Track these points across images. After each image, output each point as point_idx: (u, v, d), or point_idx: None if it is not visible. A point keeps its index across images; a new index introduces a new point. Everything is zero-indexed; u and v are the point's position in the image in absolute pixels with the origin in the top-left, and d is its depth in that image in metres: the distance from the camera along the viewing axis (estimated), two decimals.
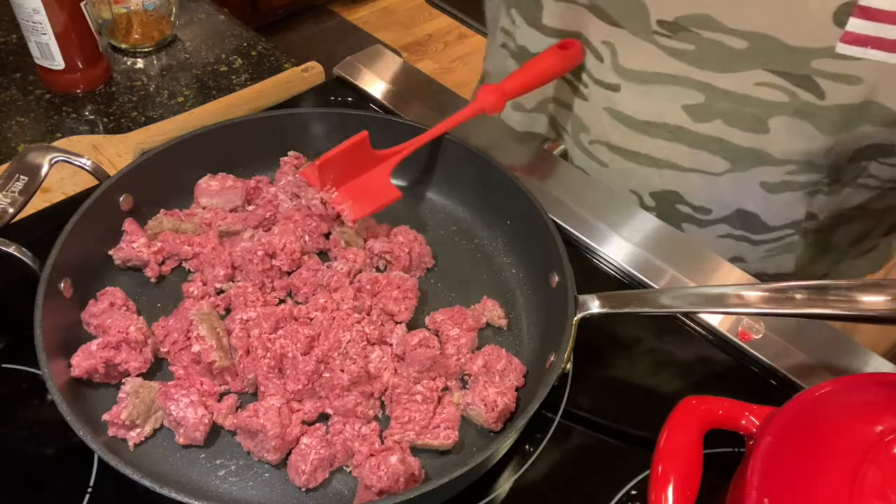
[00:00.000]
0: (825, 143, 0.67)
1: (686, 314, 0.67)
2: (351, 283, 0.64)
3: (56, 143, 0.77)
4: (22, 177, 0.61)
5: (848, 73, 0.61)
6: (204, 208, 0.69)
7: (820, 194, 0.73)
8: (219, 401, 0.57)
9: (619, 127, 0.75)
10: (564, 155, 0.85)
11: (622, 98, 0.73)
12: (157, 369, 0.59)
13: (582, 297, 0.58)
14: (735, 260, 0.80)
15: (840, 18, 0.58)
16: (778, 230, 0.77)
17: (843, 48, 0.59)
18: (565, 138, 0.84)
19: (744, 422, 0.51)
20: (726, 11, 0.62)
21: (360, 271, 0.65)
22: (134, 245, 0.64)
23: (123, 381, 0.56)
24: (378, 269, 0.67)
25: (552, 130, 0.86)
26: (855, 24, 0.58)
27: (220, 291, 0.64)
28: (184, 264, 0.66)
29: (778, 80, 0.64)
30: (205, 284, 0.64)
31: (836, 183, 0.72)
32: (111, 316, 0.58)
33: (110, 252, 0.64)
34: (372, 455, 0.53)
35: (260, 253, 0.63)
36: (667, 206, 0.78)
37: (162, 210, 0.68)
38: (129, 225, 0.65)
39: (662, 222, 0.75)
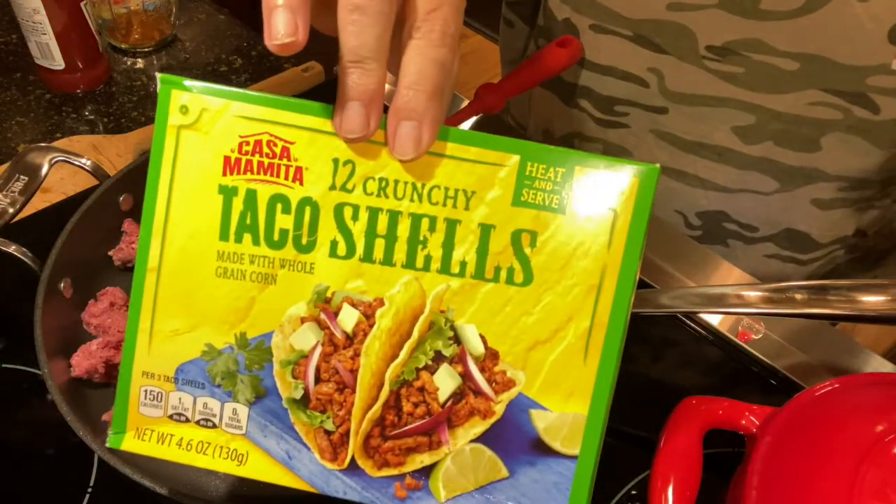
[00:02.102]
0: (879, 157, 0.66)
1: (686, 314, 0.67)
2: None
3: (56, 143, 0.77)
4: (22, 177, 0.61)
5: None
6: None
7: (871, 209, 0.72)
8: None
9: (666, 147, 0.73)
10: None
11: (669, 119, 0.71)
12: None
13: None
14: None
15: (894, 36, 0.58)
16: (827, 247, 0.75)
17: None
18: None
19: (744, 422, 0.51)
20: (777, 35, 0.61)
21: None
22: (134, 245, 0.63)
23: None
24: None
25: None
26: None
27: None
28: None
29: (831, 99, 0.63)
30: None
31: (887, 197, 0.71)
32: (111, 316, 0.58)
33: (110, 253, 0.64)
34: None
35: None
36: (712, 225, 0.77)
37: None
38: (128, 225, 0.65)
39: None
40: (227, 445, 0.38)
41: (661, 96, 0.70)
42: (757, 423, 0.50)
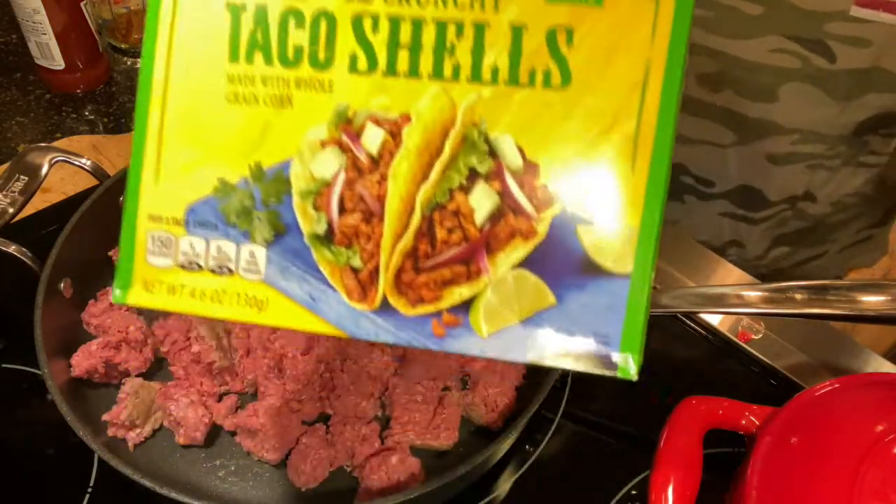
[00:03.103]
0: (833, 110, 0.69)
1: (686, 314, 0.67)
2: None
3: (56, 143, 0.77)
4: (22, 177, 0.61)
5: (859, 35, 0.63)
6: None
7: (821, 169, 0.74)
8: (218, 401, 0.57)
9: None
10: None
11: None
12: (157, 369, 0.59)
13: None
14: (731, 245, 0.81)
15: None
16: (776, 205, 0.78)
17: (857, 11, 0.62)
18: None
19: (744, 422, 0.51)
20: None
21: None
22: None
23: (123, 381, 0.56)
24: None
25: None
26: None
27: None
28: None
29: (791, 45, 0.66)
30: None
31: (837, 158, 0.73)
32: (111, 316, 0.58)
33: (110, 253, 0.64)
34: (372, 455, 0.53)
35: None
36: (671, 178, 0.79)
37: None
38: None
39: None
40: (244, 292, 0.34)
41: None
42: (757, 423, 0.50)
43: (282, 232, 0.34)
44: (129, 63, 0.91)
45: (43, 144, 0.68)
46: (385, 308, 0.33)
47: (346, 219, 0.33)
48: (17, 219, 0.60)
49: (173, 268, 0.35)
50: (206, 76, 0.33)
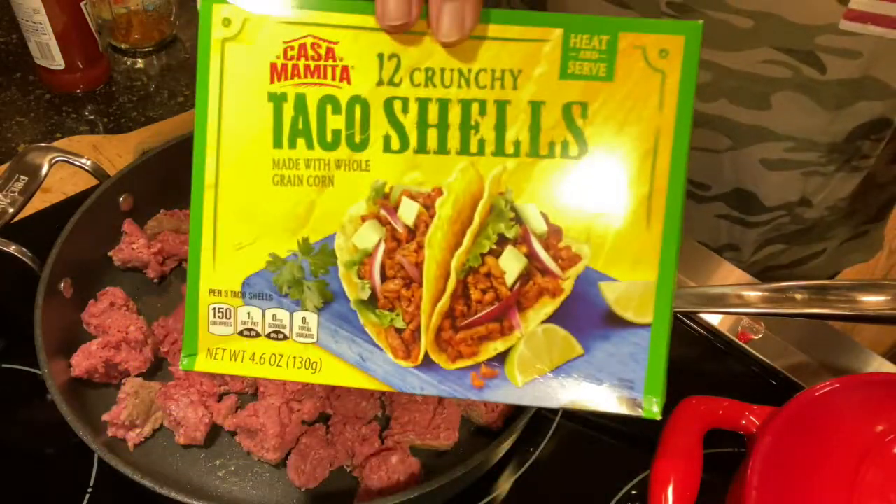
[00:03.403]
0: (825, 119, 0.69)
1: (686, 314, 0.67)
2: None
3: (56, 143, 0.77)
4: (22, 177, 0.61)
5: (848, 47, 0.64)
6: None
7: (816, 175, 0.75)
8: (218, 401, 0.57)
9: None
10: None
11: None
12: (157, 369, 0.59)
13: None
14: (727, 248, 0.81)
15: None
16: (772, 211, 0.78)
17: (845, 24, 0.62)
18: None
19: (744, 422, 0.51)
20: None
21: None
22: (134, 246, 0.64)
23: (123, 381, 0.56)
24: None
25: None
26: (857, 2, 0.61)
27: None
28: (183, 265, 0.66)
29: (782, 57, 0.66)
30: None
31: (831, 164, 0.74)
32: (111, 316, 0.58)
33: (110, 253, 0.64)
34: (372, 455, 0.53)
35: None
36: None
37: (162, 210, 0.68)
38: (128, 226, 0.65)
39: None
40: (300, 355, 0.38)
41: None
42: (757, 423, 0.50)
43: (330, 299, 0.37)
44: (129, 63, 0.91)
45: (43, 144, 0.68)
46: (427, 364, 0.37)
47: (388, 285, 0.37)
48: (17, 219, 0.60)
49: (233, 335, 0.38)
50: (253, 162, 0.36)
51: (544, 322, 0.36)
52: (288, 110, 0.36)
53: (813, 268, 0.88)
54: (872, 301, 0.52)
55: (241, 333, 0.38)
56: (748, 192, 0.77)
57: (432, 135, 0.36)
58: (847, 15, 0.62)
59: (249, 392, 0.58)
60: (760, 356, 0.64)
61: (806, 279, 0.87)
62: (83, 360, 0.55)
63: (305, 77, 0.36)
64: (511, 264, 0.36)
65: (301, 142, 0.36)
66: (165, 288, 0.65)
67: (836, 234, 0.85)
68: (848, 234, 0.87)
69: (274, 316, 0.37)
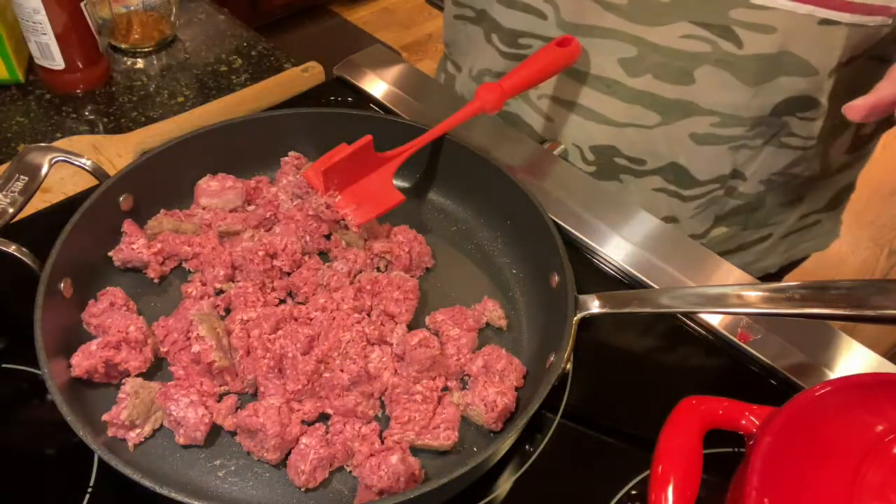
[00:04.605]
0: (746, 94, 0.71)
1: (686, 314, 0.67)
2: (351, 283, 0.64)
3: (56, 143, 0.77)
4: (22, 177, 0.61)
5: (763, 22, 0.66)
6: (204, 208, 0.69)
7: (744, 149, 0.76)
8: (218, 401, 0.57)
9: (563, 79, 0.78)
10: (565, 155, 0.85)
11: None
12: (157, 369, 0.59)
13: (582, 297, 0.58)
14: (668, 220, 0.83)
15: None
16: (705, 185, 0.80)
17: None
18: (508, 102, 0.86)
19: (744, 422, 0.51)
20: None
21: (360, 272, 0.65)
22: (134, 246, 0.64)
23: (123, 381, 0.56)
24: (378, 270, 0.67)
25: None
26: None
27: (220, 292, 0.64)
28: (183, 265, 0.66)
29: (701, 32, 0.68)
30: (204, 285, 0.64)
31: (758, 138, 0.76)
32: (111, 316, 0.58)
33: (110, 254, 0.64)
34: (372, 455, 0.53)
35: (261, 253, 0.63)
36: (605, 160, 0.82)
37: (162, 210, 0.68)
38: (128, 226, 0.65)
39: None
40: None
41: (556, 28, 0.75)
42: (757, 423, 0.50)
43: None
44: (129, 63, 0.91)
45: (43, 144, 0.68)
46: None
47: None
48: (17, 219, 0.60)
49: None
50: None
51: None
52: None
53: (760, 252, 0.90)
54: (872, 301, 0.52)
55: None
56: (681, 166, 0.79)
57: None
58: None
59: (249, 392, 0.58)
60: (760, 356, 0.64)
61: (756, 264, 0.89)
62: (83, 360, 0.55)
63: None
64: None
65: None
66: (165, 288, 0.65)
67: (782, 219, 0.87)
68: (797, 222, 0.89)
69: None
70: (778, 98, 0.71)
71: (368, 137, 0.64)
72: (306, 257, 0.66)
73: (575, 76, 0.77)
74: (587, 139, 0.81)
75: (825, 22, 0.65)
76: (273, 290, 0.64)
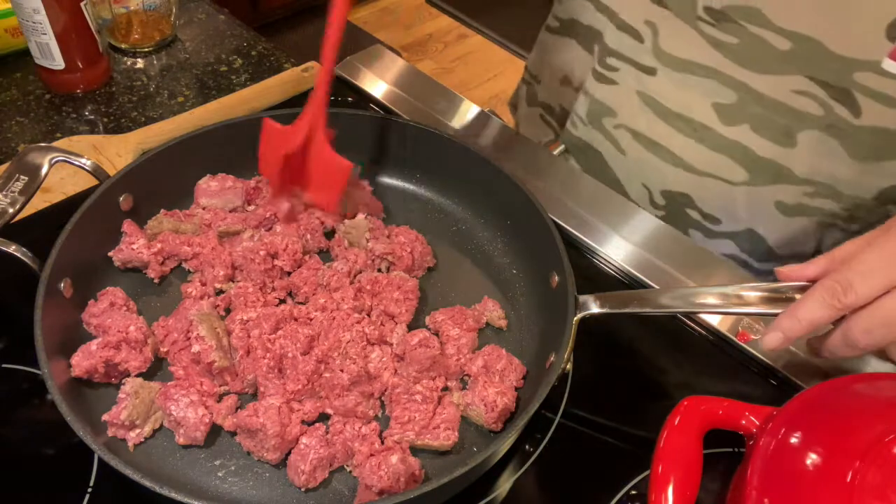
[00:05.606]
0: (852, 169, 0.65)
1: (686, 314, 0.67)
2: (351, 283, 0.64)
3: (56, 143, 0.77)
4: (22, 177, 0.61)
5: (888, 92, 0.59)
6: (204, 208, 0.69)
7: (835, 229, 0.70)
8: (218, 401, 0.57)
9: (647, 113, 0.72)
10: (564, 155, 0.85)
11: (657, 83, 0.70)
12: (157, 369, 0.59)
13: (582, 298, 0.58)
14: None
15: (893, 32, 0.56)
16: (782, 260, 0.74)
17: (889, 65, 0.57)
18: (577, 124, 0.81)
19: (744, 422, 0.51)
20: (776, 7, 0.60)
21: (360, 272, 0.65)
22: (133, 246, 0.63)
23: (123, 381, 0.56)
24: (380, 271, 0.67)
25: (560, 117, 0.85)
26: None
27: (220, 292, 0.64)
28: (183, 265, 0.66)
29: (815, 90, 0.62)
30: (204, 285, 0.64)
31: (854, 221, 0.69)
32: (111, 316, 0.58)
33: (110, 254, 0.64)
34: (372, 455, 0.53)
35: (262, 253, 0.63)
36: (676, 208, 0.76)
37: (162, 210, 0.68)
38: (128, 226, 0.65)
39: (662, 222, 0.74)
40: None
41: (652, 55, 0.69)
42: (757, 423, 0.50)
43: None
44: (129, 63, 0.91)
45: (43, 144, 0.68)
46: None
47: None
48: (17, 219, 0.60)
49: None
50: None
51: None
52: None
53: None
54: None
55: None
56: (759, 235, 0.72)
57: None
58: (893, 54, 0.57)
59: (249, 392, 0.58)
60: (760, 356, 0.64)
61: None
62: (83, 360, 0.55)
63: None
64: None
65: None
66: (165, 288, 0.65)
67: None
68: None
69: None
70: (885, 183, 0.64)
71: (266, 120, 0.64)
72: (307, 257, 0.66)
73: (659, 111, 0.71)
74: (660, 182, 0.75)
75: None
76: (273, 290, 0.64)
